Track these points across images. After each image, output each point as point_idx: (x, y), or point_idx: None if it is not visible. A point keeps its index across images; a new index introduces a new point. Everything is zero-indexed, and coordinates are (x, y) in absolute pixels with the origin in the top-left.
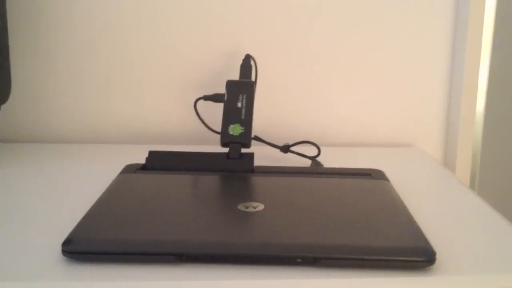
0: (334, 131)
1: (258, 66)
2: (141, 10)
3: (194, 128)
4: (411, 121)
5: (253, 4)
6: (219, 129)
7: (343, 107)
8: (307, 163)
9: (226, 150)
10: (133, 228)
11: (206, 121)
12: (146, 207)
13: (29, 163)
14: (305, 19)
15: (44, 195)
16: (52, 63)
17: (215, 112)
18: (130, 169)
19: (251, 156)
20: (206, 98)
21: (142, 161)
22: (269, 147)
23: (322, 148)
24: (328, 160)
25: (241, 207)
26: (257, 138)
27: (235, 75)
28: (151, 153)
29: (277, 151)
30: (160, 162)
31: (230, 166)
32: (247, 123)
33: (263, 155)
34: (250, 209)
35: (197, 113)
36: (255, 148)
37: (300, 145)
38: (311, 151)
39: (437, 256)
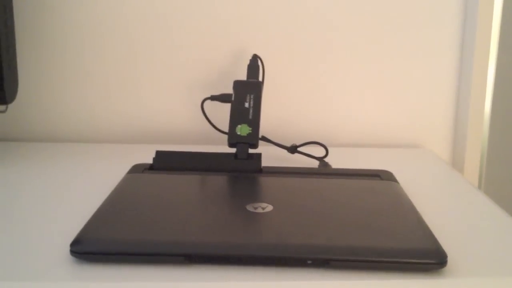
0: (341, 131)
1: (265, 66)
2: (148, 10)
3: (201, 128)
4: (419, 122)
5: (260, 5)
6: (226, 129)
7: (350, 107)
8: (314, 163)
9: (233, 150)
10: (141, 228)
11: (213, 121)
12: (154, 207)
13: (36, 163)
14: (312, 20)
15: (51, 194)
16: (59, 63)
17: (222, 112)
18: (137, 169)
19: (259, 156)
20: (213, 98)
21: (149, 161)
22: (277, 147)
23: (329, 149)
24: (336, 161)
25: (249, 207)
26: (265, 139)
27: (243, 75)
28: (159, 153)
29: (285, 151)
30: (167, 162)
31: (237, 167)
32: (254, 123)
33: (270, 156)
34: (259, 210)
35: (204, 113)
36: (262, 149)
37: (308, 145)
38: (318, 151)
39: (448, 258)
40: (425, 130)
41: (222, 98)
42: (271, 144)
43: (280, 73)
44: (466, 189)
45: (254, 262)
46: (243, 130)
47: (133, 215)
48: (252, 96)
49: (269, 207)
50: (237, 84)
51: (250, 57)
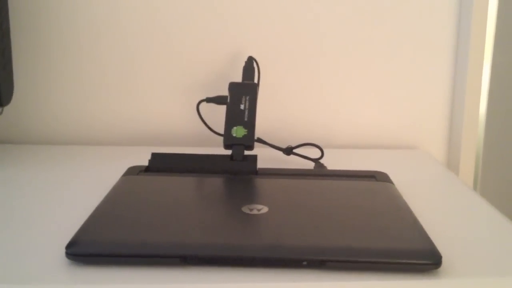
0: (337, 133)
1: (260, 68)
2: (144, 12)
3: (197, 130)
4: (415, 123)
5: (256, 6)
6: (222, 131)
7: (346, 109)
8: (310, 165)
9: (229, 152)
10: (137, 230)
11: (209, 123)
12: (150, 209)
13: (32, 165)
14: (307, 22)
15: (46, 197)
16: (55, 65)
17: (218, 114)
18: (133, 171)
19: (254, 158)
20: (208, 100)
21: (145, 163)
22: (272, 149)
23: (325, 150)
24: (331, 162)
25: (245, 209)
26: (260, 140)
27: (238, 77)
28: (154, 155)
29: (280, 153)
30: (163, 164)
31: (233, 168)
32: (250, 125)
33: (266, 157)
34: (255, 212)
35: (199, 115)
36: (258, 150)
37: (303, 147)
38: (314, 153)
39: (443, 259)
40: (421, 131)
41: (217, 100)
42: (267, 146)
43: (276, 75)
44: (461, 190)
45: (250, 264)
46: (238, 132)
47: (129, 217)
48: (247, 98)
49: (265, 209)
50: (233, 86)
51: (245, 59)
